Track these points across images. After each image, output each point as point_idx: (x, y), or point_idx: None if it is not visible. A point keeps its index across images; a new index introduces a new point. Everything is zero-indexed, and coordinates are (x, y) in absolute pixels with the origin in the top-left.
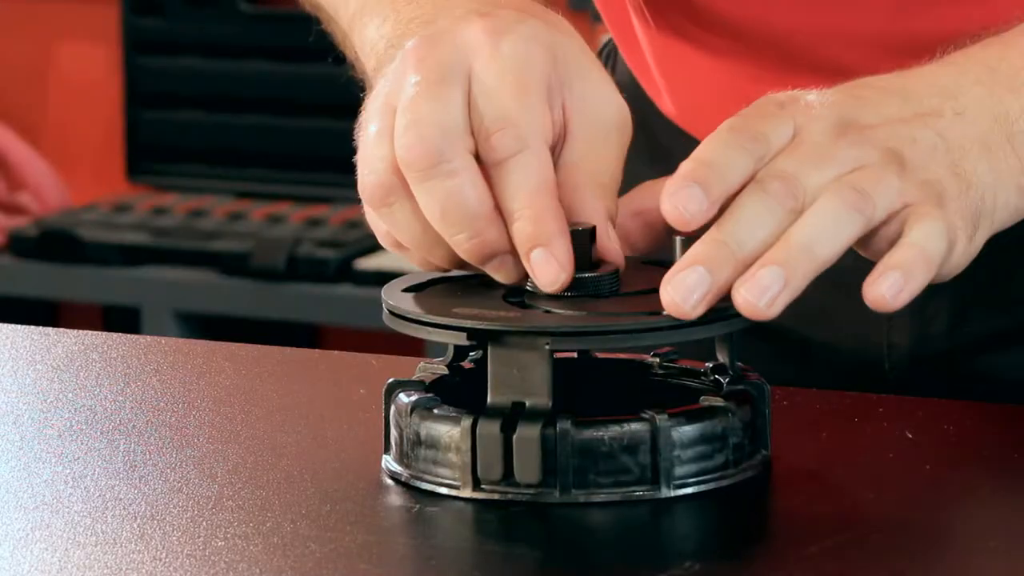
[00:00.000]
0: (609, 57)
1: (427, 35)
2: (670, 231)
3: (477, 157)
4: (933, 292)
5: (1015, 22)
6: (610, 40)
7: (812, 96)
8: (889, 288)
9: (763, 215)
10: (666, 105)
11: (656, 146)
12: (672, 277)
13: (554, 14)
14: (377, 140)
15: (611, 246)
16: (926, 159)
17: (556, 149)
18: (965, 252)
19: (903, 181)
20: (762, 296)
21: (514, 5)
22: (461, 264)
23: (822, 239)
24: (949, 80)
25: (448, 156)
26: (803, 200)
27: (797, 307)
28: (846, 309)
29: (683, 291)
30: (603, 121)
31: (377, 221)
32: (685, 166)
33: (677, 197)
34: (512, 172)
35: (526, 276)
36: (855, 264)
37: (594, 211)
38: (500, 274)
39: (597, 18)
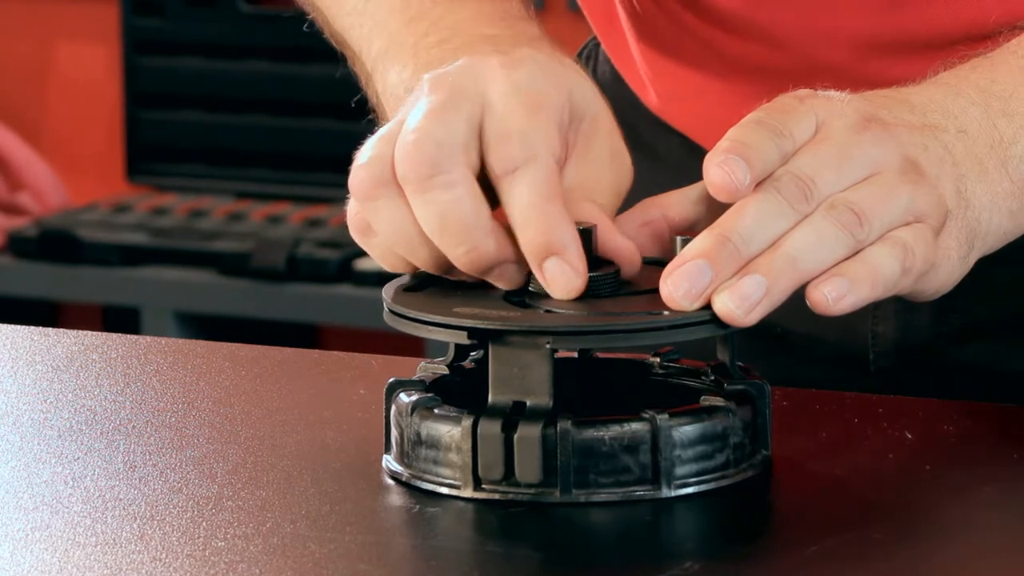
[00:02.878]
0: (590, 57)
1: (448, 67)
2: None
3: (483, 176)
4: None
5: (1002, 25)
6: (590, 41)
7: (831, 93)
8: (831, 291)
9: (773, 215)
10: (650, 98)
11: (640, 142)
12: (673, 270)
13: (571, 62)
14: (379, 140)
15: (625, 243)
16: (938, 171)
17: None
18: (955, 272)
19: (915, 195)
20: (742, 304)
21: (534, 47)
22: (442, 268)
23: (809, 255)
24: (947, 100)
25: (445, 168)
26: (815, 205)
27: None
28: None
29: (684, 285)
30: (604, 159)
31: (354, 205)
32: (724, 143)
33: (727, 164)
34: (519, 182)
35: (525, 281)
36: None
37: (595, 216)
38: (501, 282)
39: None
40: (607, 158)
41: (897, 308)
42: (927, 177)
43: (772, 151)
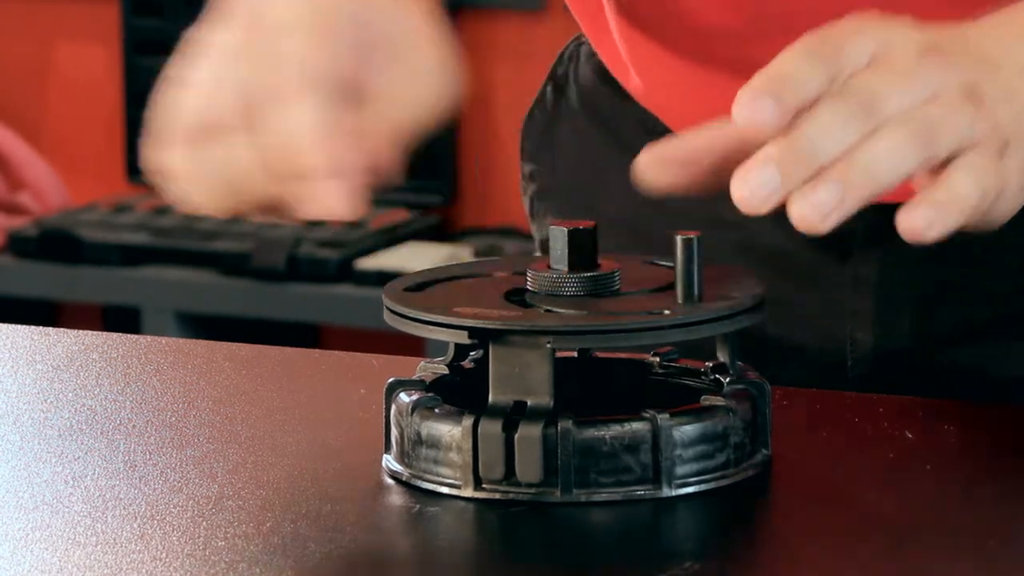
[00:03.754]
0: (572, 58)
1: None
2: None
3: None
4: (896, 287)
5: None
6: (571, 42)
7: (891, 22)
8: (921, 218)
9: (841, 126)
10: (633, 83)
11: (621, 142)
12: (745, 173)
13: None
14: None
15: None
16: (998, 99)
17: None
18: (1015, 200)
19: (975, 121)
20: (817, 210)
21: None
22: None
23: (883, 166)
24: (1005, 37)
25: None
26: (879, 120)
27: None
28: (808, 304)
29: (753, 186)
30: (417, 71)
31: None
32: (756, 79)
33: (750, 107)
34: (287, 111)
35: (525, 280)
36: (818, 258)
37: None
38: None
39: None
40: (420, 70)
41: (875, 314)
42: (986, 103)
43: (814, 73)
